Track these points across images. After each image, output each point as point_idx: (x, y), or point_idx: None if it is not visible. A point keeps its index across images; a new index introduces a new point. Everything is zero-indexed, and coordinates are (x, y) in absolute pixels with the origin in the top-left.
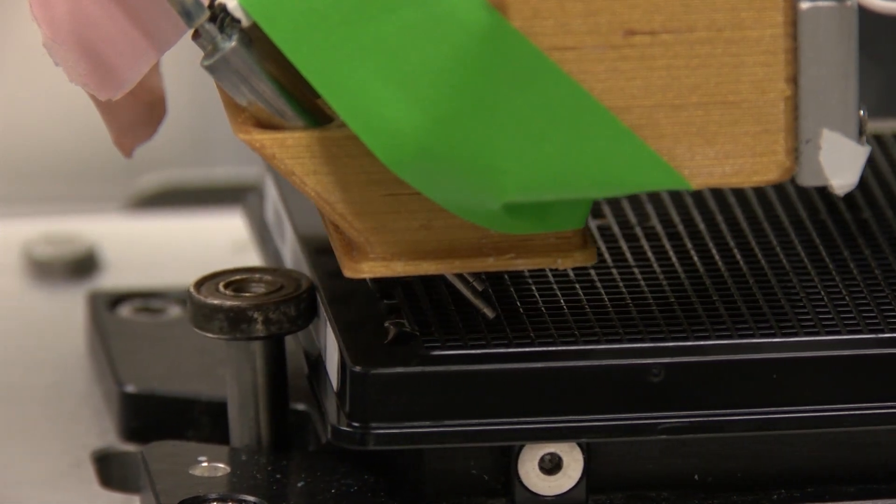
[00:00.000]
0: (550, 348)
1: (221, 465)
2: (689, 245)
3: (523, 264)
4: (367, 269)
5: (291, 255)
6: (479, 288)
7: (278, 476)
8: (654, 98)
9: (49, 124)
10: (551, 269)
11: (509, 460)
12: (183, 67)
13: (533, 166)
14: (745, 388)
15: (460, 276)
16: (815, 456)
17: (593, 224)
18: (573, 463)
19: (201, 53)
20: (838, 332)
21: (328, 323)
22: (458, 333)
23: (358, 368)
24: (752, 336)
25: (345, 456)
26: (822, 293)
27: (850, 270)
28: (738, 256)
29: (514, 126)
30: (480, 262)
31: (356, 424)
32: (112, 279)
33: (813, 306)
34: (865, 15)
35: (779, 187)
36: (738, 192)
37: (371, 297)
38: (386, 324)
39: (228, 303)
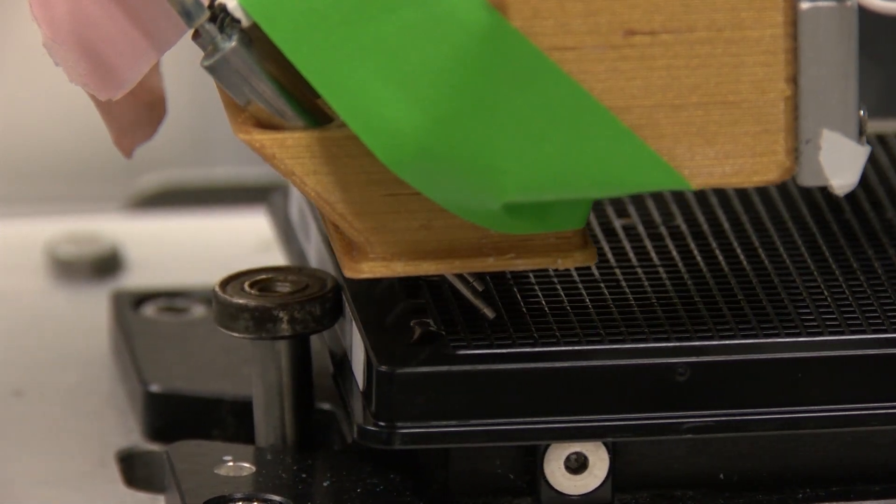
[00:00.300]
0: (576, 347)
1: (247, 465)
2: (714, 244)
3: (523, 264)
4: (367, 269)
5: (316, 254)
6: (480, 288)
7: (304, 476)
8: (654, 98)
9: (49, 124)
10: (577, 268)
11: (535, 459)
12: (183, 67)
13: (533, 166)
14: (771, 388)
15: (460, 276)
16: (841, 455)
17: (618, 223)
18: (599, 462)
19: (201, 53)
20: (863, 332)
21: (354, 322)
22: (484, 332)
23: (384, 368)
24: (777, 335)
25: (370, 455)
26: (847, 292)
27: (874, 270)
28: (763, 256)
29: (514, 126)
30: (480, 262)
31: (382, 424)
32: (135, 279)
33: (837, 305)
34: (865, 15)
35: (783, 186)
36: (762, 191)
37: (396, 297)
38: (411, 323)
39: (254, 302)
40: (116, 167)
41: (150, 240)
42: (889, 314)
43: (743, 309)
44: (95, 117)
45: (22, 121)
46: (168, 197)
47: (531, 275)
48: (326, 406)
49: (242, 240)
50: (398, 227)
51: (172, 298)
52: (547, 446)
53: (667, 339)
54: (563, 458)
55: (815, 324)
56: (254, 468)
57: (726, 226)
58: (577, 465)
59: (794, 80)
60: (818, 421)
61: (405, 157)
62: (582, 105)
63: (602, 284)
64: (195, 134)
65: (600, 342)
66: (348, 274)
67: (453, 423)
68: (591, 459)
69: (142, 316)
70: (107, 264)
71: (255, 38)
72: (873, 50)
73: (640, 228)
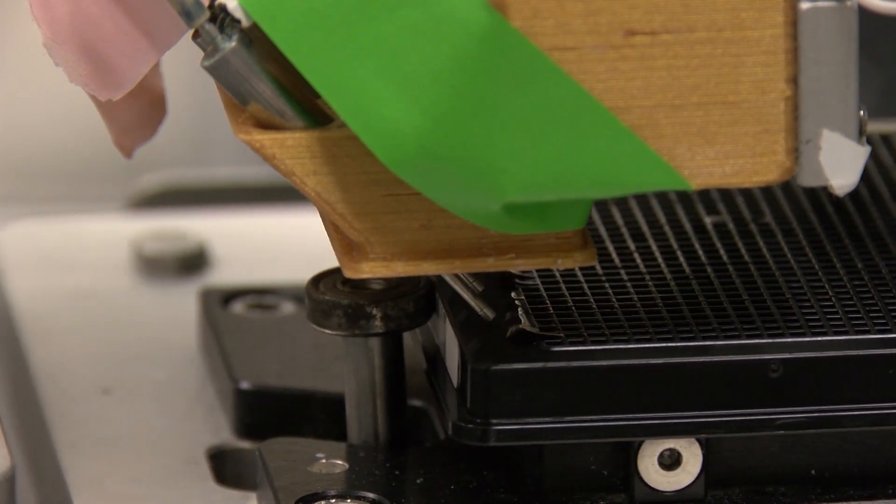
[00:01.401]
0: (670, 344)
1: (339, 462)
2: (804, 240)
3: (523, 264)
4: (367, 269)
5: None
6: (479, 289)
7: (397, 473)
8: (654, 98)
9: (49, 124)
10: (668, 264)
11: (629, 456)
12: (183, 67)
13: (533, 166)
14: (863, 384)
15: (460, 278)
16: None
17: (708, 220)
18: (692, 458)
19: (201, 53)
20: None
21: (447, 319)
22: (578, 329)
23: (479, 365)
24: (869, 332)
25: (463, 452)
26: None
27: None
28: (852, 251)
29: (514, 126)
30: (480, 262)
31: (477, 421)
32: (221, 276)
33: None
34: (865, 15)
35: (870, 184)
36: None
37: (490, 293)
38: (505, 319)
39: (347, 299)
40: (116, 167)
41: (236, 237)
42: None
43: (834, 305)
44: (95, 117)
45: (22, 121)
46: (168, 197)
47: (622, 271)
48: (418, 403)
49: (326, 237)
50: (398, 227)
51: (261, 295)
52: (641, 443)
53: (759, 336)
54: (657, 454)
55: None
56: (346, 465)
57: (815, 221)
58: (671, 461)
59: (794, 81)
60: None
61: (405, 157)
62: (582, 105)
63: (693, 281)
64: (195, 134)
65: (693, 339)
66: (348, 274)
67: (548, 419)
68: (685, 456)
69: (231, 313)
70: (193, 261)
71: (255, 38)
72: (873, 50)
73: (731, 226)
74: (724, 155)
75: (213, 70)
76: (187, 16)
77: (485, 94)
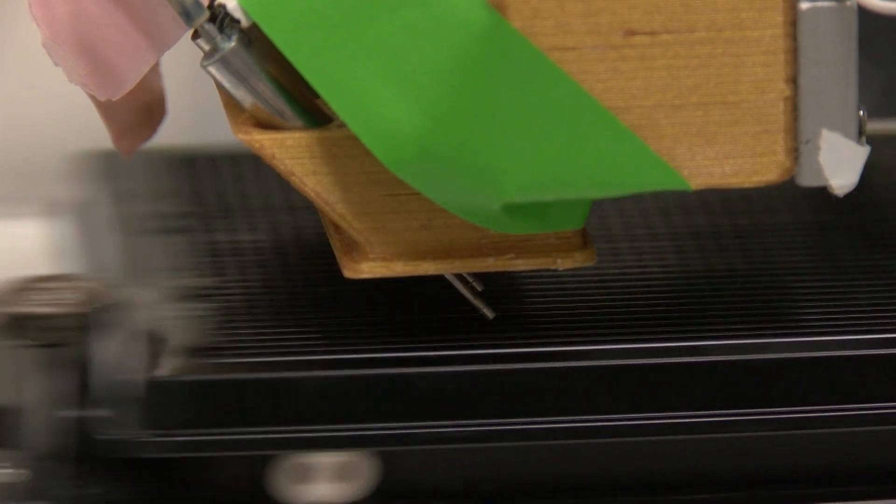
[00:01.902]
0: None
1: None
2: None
3: (523, 264)
4: (367, 269)
5: None
6: (479, 288)
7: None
8: (654, 98)
9: (49, 124)
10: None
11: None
12: (183, 67)
13: (533, 166)
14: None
15: (460, 277)
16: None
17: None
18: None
19: (201, 53)
20: None
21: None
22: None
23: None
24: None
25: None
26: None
27: None
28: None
29: (514, 126)
30: (480, 262)
31: (118, 435)
32: None
33: None
34: (865, 15)
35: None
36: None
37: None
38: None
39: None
40: None
41: None
42: None
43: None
44: (95, 117)
45: (22, 121)
46: None
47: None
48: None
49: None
50: (398, 227)
51: None
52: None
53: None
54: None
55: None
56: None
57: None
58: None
59: (793, 81)
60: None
61: (405, 158)
62: (582, 105)
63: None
64: (195, 134)
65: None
66: (348, 274)
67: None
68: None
69: None
70: None
71: (255, 38)
72: (873, 50)
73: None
74: (724, 155)
75: (212, 70)
76: (187, 16)
77: (485, 94)
